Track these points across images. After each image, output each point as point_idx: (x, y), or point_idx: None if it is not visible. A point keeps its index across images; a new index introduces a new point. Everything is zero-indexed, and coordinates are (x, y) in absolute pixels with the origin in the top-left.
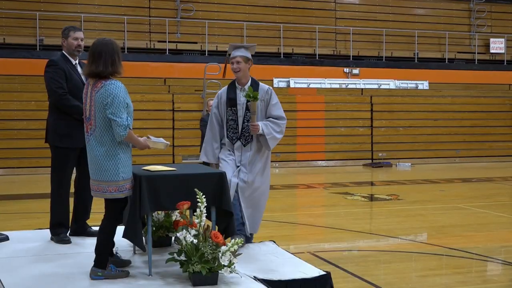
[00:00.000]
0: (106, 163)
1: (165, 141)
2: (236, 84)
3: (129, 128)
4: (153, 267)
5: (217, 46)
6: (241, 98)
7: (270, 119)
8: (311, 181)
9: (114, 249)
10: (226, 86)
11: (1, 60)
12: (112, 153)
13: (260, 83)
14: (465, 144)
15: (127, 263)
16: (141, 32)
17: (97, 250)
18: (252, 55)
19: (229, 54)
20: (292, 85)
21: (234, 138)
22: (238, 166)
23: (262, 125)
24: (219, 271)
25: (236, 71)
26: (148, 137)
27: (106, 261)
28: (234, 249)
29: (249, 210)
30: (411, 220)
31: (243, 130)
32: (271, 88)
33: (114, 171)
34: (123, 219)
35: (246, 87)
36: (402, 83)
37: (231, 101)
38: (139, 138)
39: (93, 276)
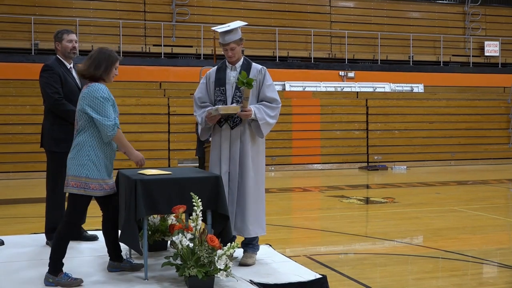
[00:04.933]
0: (74, 156)
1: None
2: (226, 63)
3: (117, 127)
4: (149, 271)
5: (212, 50)
6: (230, 78)
7: (264, 102)
8: (307, 184)
9: (124, 254)
10: (215, 67)
11: None
12: (81, 148)
13: (253, 62)
14: (460, 146)
15: (138, 267)
16: (136, 36)
17: (50, 255)
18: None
19: (218, 39)
20: (287, 88)
21: (221, 120)
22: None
23: (254, 109)
24: (215, 275)
25: (232, 58)
26: (216, 109)
27: (59, 267)
28: (230, 253)
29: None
30: (407, 223)
31: None
32: (265, 67)
33: (77, 166)
34: (118, 223)
35: (238, 66)
36: (397, 86)
37: (220, 81)
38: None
39: (46, 282)
